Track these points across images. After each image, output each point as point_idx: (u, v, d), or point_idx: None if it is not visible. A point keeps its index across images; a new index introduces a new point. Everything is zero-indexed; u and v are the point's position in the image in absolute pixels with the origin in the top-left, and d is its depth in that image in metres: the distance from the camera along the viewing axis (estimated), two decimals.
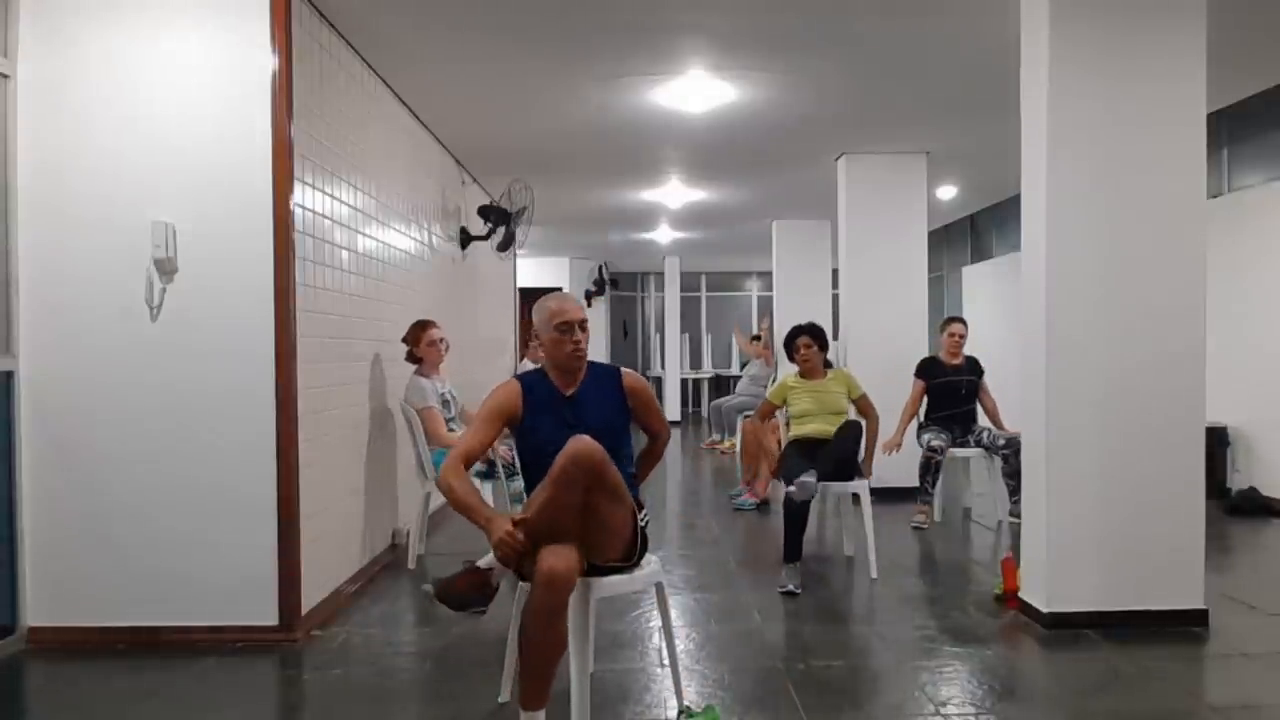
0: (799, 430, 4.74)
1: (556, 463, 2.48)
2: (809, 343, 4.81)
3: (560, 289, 3.25)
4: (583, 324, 2.78)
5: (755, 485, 6.57)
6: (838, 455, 4.42)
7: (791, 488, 4.28)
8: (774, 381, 9.02)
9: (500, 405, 2.74)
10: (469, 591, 2.50)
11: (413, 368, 5.00)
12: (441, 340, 5.01)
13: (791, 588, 4.18)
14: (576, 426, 2.68)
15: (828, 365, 4.99)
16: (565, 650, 2.48)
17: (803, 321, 5.03)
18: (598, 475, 2.50)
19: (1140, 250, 3.65)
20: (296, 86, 3.67)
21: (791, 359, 4.94)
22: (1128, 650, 3.40)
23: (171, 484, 3.55)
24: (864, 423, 4.70)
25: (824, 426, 4.65)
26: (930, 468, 5.70)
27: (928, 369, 5.95)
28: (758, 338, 10.20)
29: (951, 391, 5.89)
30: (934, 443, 5.67)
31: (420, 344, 4.94)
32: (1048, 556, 3.65)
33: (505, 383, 2.81)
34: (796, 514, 4.32)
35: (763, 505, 6.46)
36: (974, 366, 6.01)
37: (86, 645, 3.51)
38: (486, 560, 2.50)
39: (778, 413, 5.00)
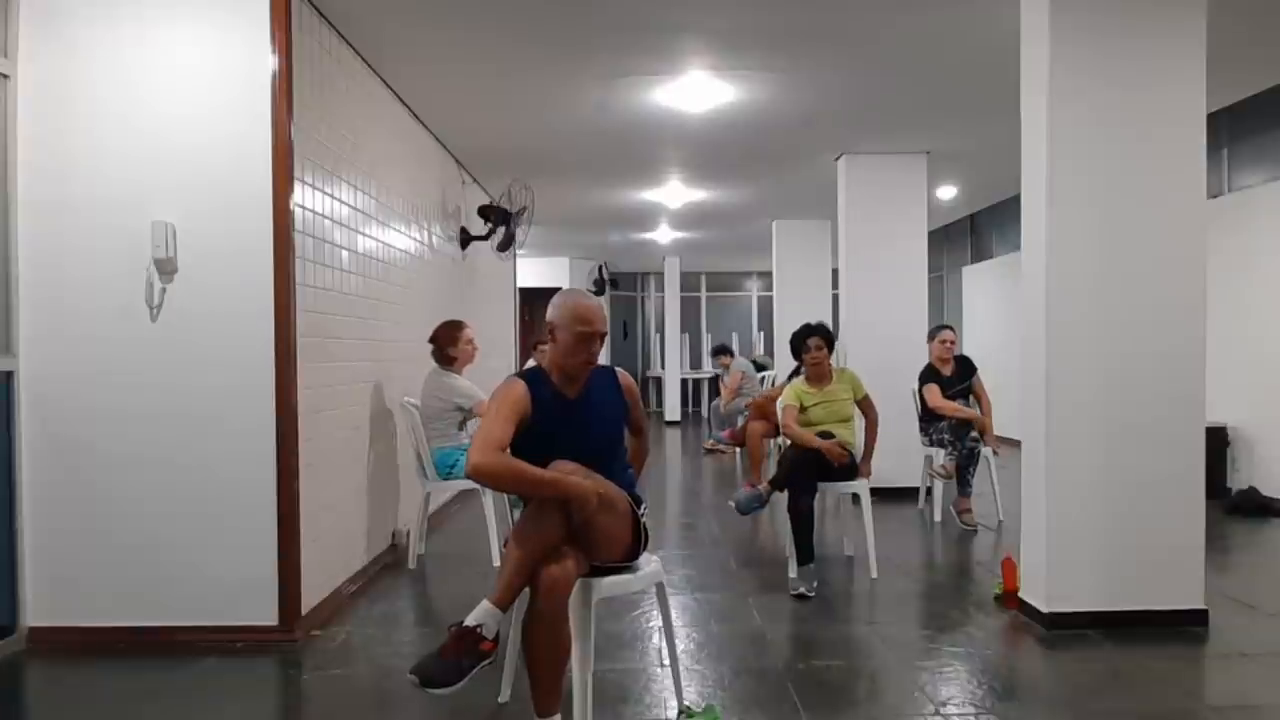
0: None
1: (534, 504, 2.48)
2: (820, 344, 4.69)
3: (573, 288, 3.25)
4: (602, 337, 2.70)
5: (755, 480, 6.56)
6: (810, 472, 4.43)
7: (734, 502, 4.64)
8: (766, 385, 9.01)
9: (515, 405, 2.60)
10: (462, 655, 2.31)
11: (434, 366, 5.01)
12: (472, 340, 5.08)
13: (804, 590, 4.16)
14: (582, 429, 2.68)
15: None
16: (570, 654, 2.48)
17: (809, 321, 4.90)
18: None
19: (1140, 250, 3.65)
20: (296, 87, 3.67)
21: (798, 359, 4.86)
22: (1128, 650, 3.40)
23: (171, 484, 3.55)
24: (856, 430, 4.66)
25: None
26: (974, 458, 5.67)
27: (932, 376, 5.93)
28: (728, 352, 10.17)
29: (949, 399, 5.88)
30: (972, 433, 5.66)
31: (459, 342, 5.00)
32: (1048, 556, 3.65)
33: (510, 381, 2.69)
34: (801, 516, 4.31)
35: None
36: (966, 368, 6.00)
37: (86, 645, 3.51)
38: (475, 617, 2.36)
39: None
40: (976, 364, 6.06)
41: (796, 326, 4.92)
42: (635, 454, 2.98)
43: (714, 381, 15.55)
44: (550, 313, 2.69)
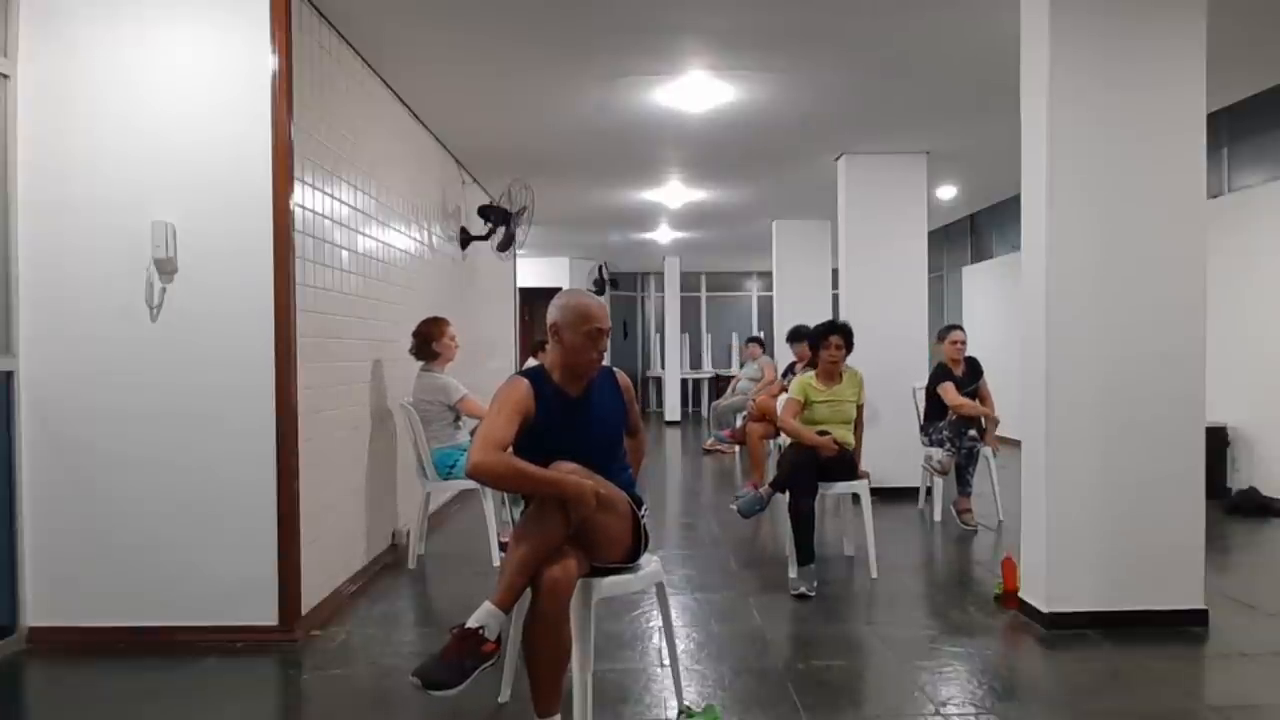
0: None
1: (535, 505, 2.50)
2: (840, 343, 4.66)
3: (572, 288, 3.26)
4: (608, 332, 2.73)
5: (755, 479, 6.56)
6: (810, 473, 4.42)
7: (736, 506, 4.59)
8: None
9: (519, 403, 2.59)
10: (465, 657, 2.31)
11: (419, 366, 5.02)
12: (454, 337, 5.08)
13: (804, 589, 4.17)
14: (584, 428, 2.68)
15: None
16: (570, 654, 2.48)
17: (834, 319, 4.90)
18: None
19: (1140, 250, 3.65)
20: (296, 87, 3.67)
21: (814, 354, 4.84)
22: (1128, 650, 3.40)
23: (172, 484, 3.55)
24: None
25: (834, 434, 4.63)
26: (973, 457, 5.68)
27: (947, 375, 5.91)
28: (759, 341, 10.20)
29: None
30: (971, 432, 5.67)
31: (442, 338, 4.99)
32: (1048, 556, 3.65)
33: (513, 380, 2.67)
34: (801, 517, 4.31)
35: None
36: (975, 369, 6.00)
37: (86, 645, 3.50)
38: (477, 618, 2.35)
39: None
40: (981, 366, 6.05)
41: (795, 327, 4.91)
42: (632, 454, 2.98)
43: (714, 381, 15.58)
44: (553, 315, 2.68)
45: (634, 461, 2.98)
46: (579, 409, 2.71)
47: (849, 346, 4.73)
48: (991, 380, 6.06)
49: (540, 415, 2.63)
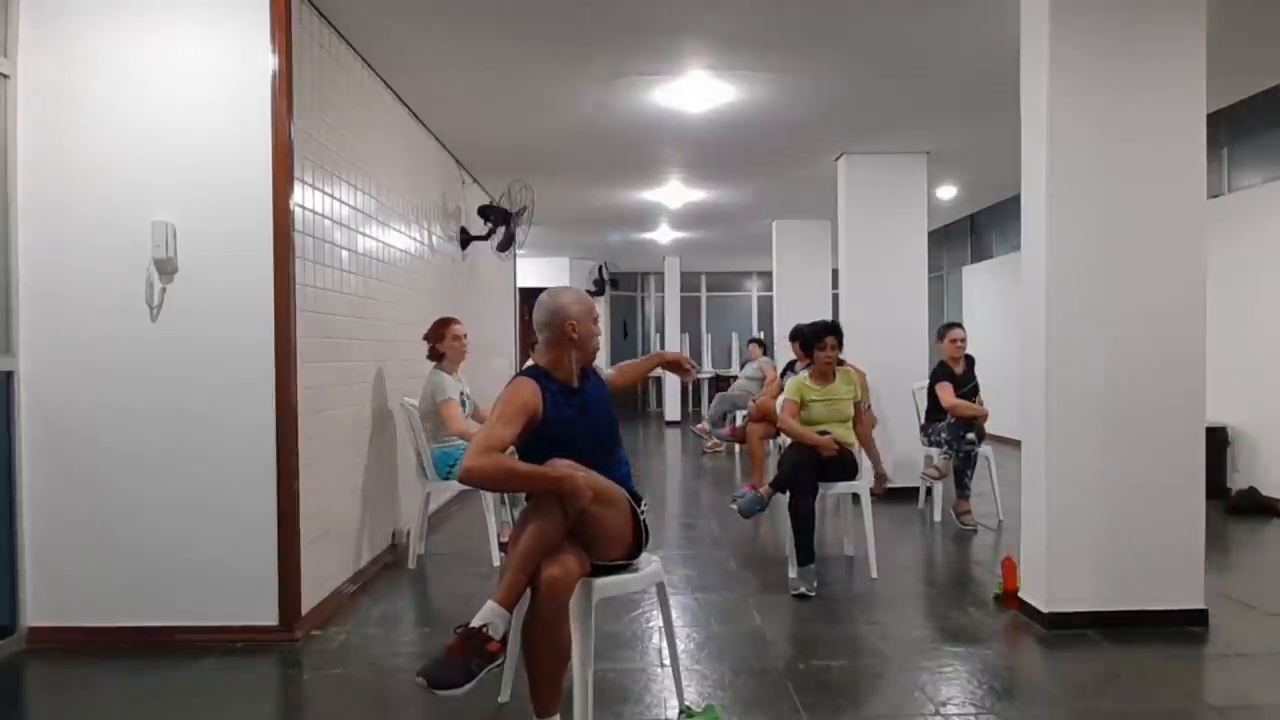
0: None
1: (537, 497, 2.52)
2: (835, 344, 4.68)
3: (566, 286, 3.29)
4: None
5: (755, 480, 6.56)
6: (810, 473, 4.41)
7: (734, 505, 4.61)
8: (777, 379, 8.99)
9: (526, 403, 2.59)
10: (470, 657, 2.32)
11: (431, 365, 5.03)
12: (465, 336, 5.08)
13: (804, 589, 4.17)
14: (589, 417, 2.72)
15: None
16: (570, 654, 2.49)
17: (826, 319, 4.89)
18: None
19: (1140, 250, 3.65)
20: (296, 86, 3.67)
21: (809, 354, 4.85)
22: (1128, 650, 3.40)
23: (171, 483, 3.55)
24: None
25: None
26: (971, 460, 5.68)
27: (946, 374, 5.90)
28: (760, 342, 10.21)
29: (961, 398, 5.86)
30: (969, 435, 5.65)
31: (444, 339, 5.00)
32: (1048, 556, 3.65)
33: (519, 381, 2.66)
34: (801, 517, 4.30)
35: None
36: (972, 366, 6.00)
37: (86, 645, 3.51)
38: (481, 617, 2.36)
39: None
40: (975, 363, 6.05)
41: (797, 326, 4.90)
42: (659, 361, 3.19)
43: (714, 381, 15.57)
44: (564, 312, 2.70)
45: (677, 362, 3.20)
46: (581, 396, 2.76)
47: (841, 346, 4.75)
48: (992, 380, 6.06)
49: (551, 413, 2.64)
